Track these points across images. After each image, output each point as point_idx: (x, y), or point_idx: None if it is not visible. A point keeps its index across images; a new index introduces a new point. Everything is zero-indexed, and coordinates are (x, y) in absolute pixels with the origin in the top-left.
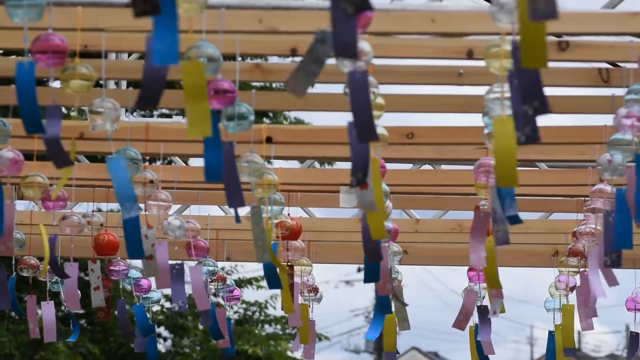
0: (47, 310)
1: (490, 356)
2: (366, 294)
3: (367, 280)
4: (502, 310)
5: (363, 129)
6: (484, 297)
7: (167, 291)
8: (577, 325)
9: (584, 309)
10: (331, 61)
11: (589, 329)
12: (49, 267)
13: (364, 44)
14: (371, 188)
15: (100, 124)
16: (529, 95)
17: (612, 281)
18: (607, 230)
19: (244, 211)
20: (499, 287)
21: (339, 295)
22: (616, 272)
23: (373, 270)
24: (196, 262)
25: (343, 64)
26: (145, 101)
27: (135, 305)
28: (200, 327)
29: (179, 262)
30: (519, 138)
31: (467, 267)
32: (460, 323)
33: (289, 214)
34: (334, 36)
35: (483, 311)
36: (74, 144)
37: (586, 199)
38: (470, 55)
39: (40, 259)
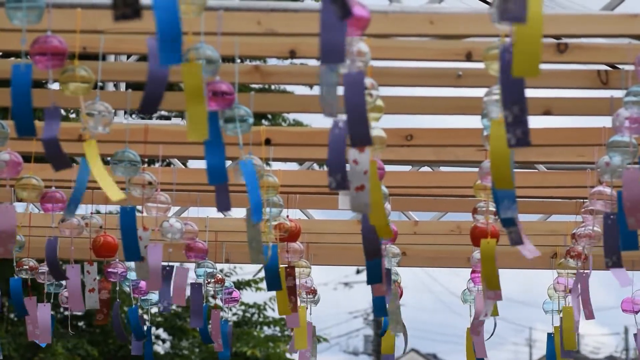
0: (43, 312)
1: (489, 357)
2: (365, 295)
3: (370, 281)
4: (495, 313)
5: (357, 133)
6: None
7: None
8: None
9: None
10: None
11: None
12: (48, 269)
13: (361, 45)
14: (367, 190)
15: (93, 126)
16: (509, 100)
17: (625, 281)
18: (608, 232)
19: (242, 213)
20: (498, 289)
21: (338, 297)
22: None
23: (375, 271)
24: (195, 264)
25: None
26: (148, 107)
27: (130, 309)
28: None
29: (169, 264)
30: (509, 140)
31: (465, 269)
32: (475, 329)
33: (287, 216)
34: (322, 41)
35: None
36: (92, 144)
37: (585, 200)
38: (469, 57)
39: (40, 260)
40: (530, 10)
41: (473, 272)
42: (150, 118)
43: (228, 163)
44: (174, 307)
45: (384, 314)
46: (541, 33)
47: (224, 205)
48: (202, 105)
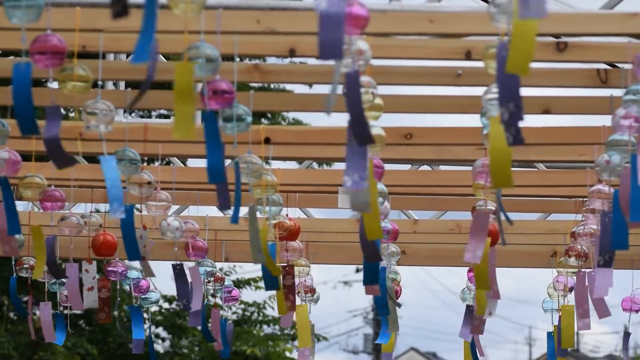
0: (44, 311)
1: (489, 356)
2: (364, 294)
3: (366, 282)
4: (480, 312)
5: (358, 131)
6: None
7: (166, 292)
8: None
9: (579, 308)
10: (330, 61)
11: (586, 329)
12: (47, 268)
13: (362, 44)
14: (366, 189)
15: (95, 125)
16: (506, 97)
17: (603, 313)
18: (603, 231)
19: (243, 212)
20: (487, 288)
21: (337, 296)
22: (615, 272)
23: (372, 272)
24: (195, 262)
25: (341, 64)
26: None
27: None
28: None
29: (178, 262)
30: (507, 138)
31: (465, 268)
32: (477, 327)
33: (287, 215)
34: (320, 36)
35: (472, 311)
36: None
37: (585, 199)
38: (468, 56)
39: None
40: None
41: (470, 270)
42: (150, 116)
43: (227, 162)
44: (173, 305)
45: (386, 312)
46: (536, 32)
47: (225, 204)
48: (190, 104)
